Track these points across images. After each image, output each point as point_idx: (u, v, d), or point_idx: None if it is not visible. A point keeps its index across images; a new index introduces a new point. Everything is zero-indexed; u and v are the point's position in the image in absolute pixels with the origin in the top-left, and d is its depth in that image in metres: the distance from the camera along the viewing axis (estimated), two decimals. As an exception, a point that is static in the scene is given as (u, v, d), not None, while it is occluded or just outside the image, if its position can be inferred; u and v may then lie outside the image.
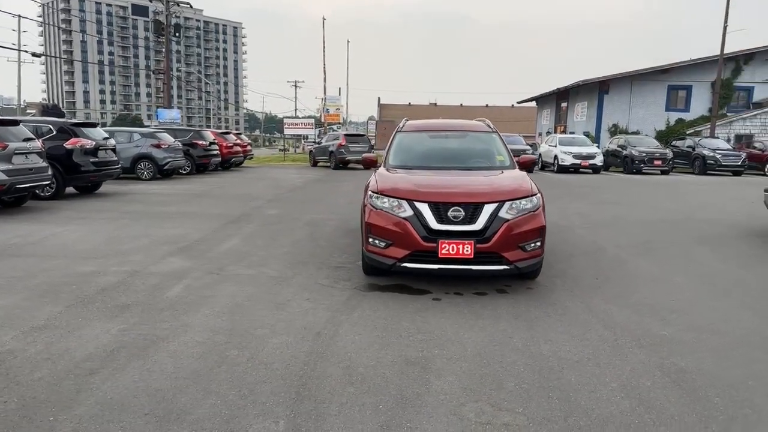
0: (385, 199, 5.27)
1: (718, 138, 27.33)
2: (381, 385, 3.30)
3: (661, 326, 4.36)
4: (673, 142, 27.05)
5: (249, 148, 25.80)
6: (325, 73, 41.09)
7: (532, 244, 5.10)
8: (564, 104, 41.03)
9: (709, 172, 23.72)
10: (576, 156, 22.57)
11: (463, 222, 4.97)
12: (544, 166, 24.82)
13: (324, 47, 40.05)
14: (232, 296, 5.07)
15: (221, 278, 5.69)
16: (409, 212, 5.07)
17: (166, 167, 17.04)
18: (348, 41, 50.64)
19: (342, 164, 24.28)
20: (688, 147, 25.08)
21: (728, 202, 13.32)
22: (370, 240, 5.24)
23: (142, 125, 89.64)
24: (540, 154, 24.95)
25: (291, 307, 4.78)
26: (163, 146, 17.03)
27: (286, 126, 39.63)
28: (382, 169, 6.03)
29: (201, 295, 5.09)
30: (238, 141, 24.13)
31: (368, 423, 2.87)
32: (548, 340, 4.04)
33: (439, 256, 4.93)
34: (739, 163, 23.17)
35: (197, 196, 13.15)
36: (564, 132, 38.36)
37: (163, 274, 5.79)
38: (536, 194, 5.29)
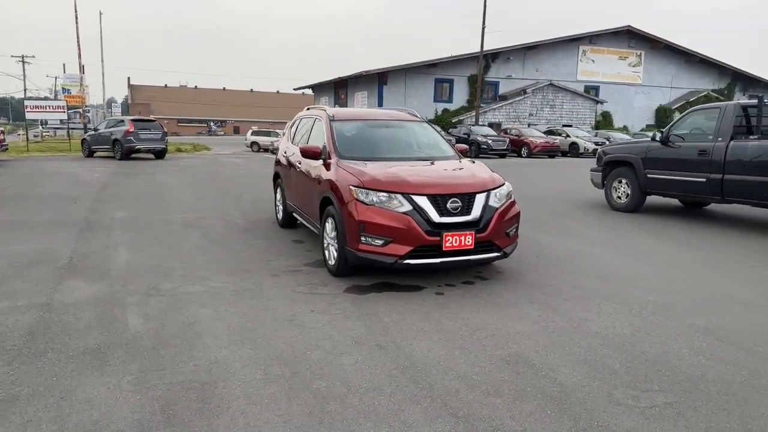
0: (372, 194, 4.94)
1: (485, 126, 31.53)
2: (517, 390, 3.17)
3: (640, 293, 5.00)
4: (449, 130, 30.32)
5: (3, 137, 21.00)
6: (79, 48, 35.33)
7: (513, 230, 5.35)
8: (343, 93, 42.66)
9: (481, 155, 27.24)
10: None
11: (461, 213, 4.96)
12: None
13: (77, 17, 34.38)
14: (222, 319, 4.24)
15: (173, 300, 4.69)
16: (407, 206, 4.85)
17: None
18: (101, 13, 44.35)
19: (128, 154, 21.45)
20: (464, 134, 28.38)
21: (530, 180, 15.56)
22: (364, 239, 4.86)
23: None
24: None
25: (306, 322, 4.21)
26: None
27: (29, 110, 33.18)
28: (339, 161, 5.57)
29: (179, 323, 4.14)
30: (-9, 129, 19.48)
31: None
32: (585, 319, 4.32)
33: (443, 249, 4.84)
34: (505, 147, 27.14)
35: (-14, 199, 10.34)
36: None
37: (88, 304, 4.53)
38: (506, 182, 5.53)
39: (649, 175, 9.20)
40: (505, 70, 38.40)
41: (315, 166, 6.04)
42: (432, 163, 5.78)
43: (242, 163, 21.74)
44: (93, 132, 23.73)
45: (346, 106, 41.78)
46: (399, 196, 4.89)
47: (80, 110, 40.60)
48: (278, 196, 7.99)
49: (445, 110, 36.96)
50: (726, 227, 8.39)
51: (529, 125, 35.26)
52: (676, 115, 42.33)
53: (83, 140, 24.25)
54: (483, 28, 30.86)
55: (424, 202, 4.87)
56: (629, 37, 40.90)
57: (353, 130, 6.28)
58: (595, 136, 32.06)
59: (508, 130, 30.69)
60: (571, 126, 35.42)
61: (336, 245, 5.29)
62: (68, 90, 47.15)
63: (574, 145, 29.63)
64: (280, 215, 7.92)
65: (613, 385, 3.23)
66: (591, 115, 39.64)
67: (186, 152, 29.45)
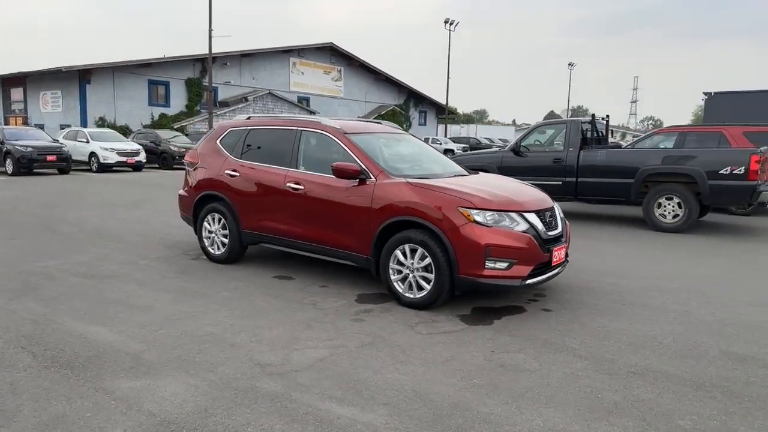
0: (484, 214, 4.61)
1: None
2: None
3: (688, 283, 5.89)
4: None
5: None
6: None
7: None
8: (17, 92, 34.90)
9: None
10: (121, 153, 20.44)
11: (554, 227, 5.04)
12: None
13: None
14: (429, 381, 3.45)
15: (325, 374, 3.57)
16: (523, 225, 4.69)
17: None
18: None
19: None
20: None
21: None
22: (489, 263, 4.50)
23: None
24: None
25: (514, 365, 3.77)
26: None
27: None
28: (407, 179, 4.94)
29: (404, 397, 3.22)
30: None
31: None
32: (713, 312, 4.95)
33: (552, 264, 4.86)
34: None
35: None
36: (26, 124, 32.98)
37: (228, 407, 3.12)
38: None
39: (506, 181, 10.55)
40: (222, 76, 37.22)
41: (346, 188, 5.17)
42: (476, 177, 5.65)
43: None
44: None
45: (26, 108, 34.37)
46: (513, 215, 4.69)
47: None
48: (214, 226, 6.39)
49: (163, 115, 33.77)
50: (607, 225, 10.25)
51: (252, 133, 35.01)
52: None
53: None
54: (210, 32, 29.39)
55: (534, 219, 4.79)
56: (331, 53, 44.35)
57: (376, 145, 5.59)
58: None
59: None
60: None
61: (426, 275, 4.73)
62: None
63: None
64: (217, 249, 6.37)
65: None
66: (305, 124, 41.57)
67: None
